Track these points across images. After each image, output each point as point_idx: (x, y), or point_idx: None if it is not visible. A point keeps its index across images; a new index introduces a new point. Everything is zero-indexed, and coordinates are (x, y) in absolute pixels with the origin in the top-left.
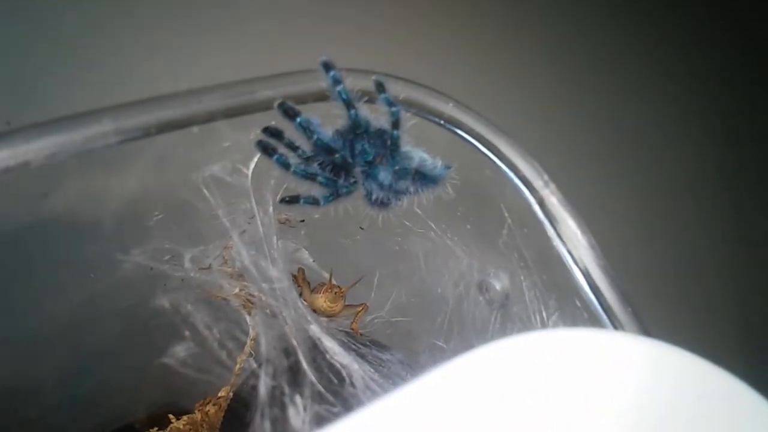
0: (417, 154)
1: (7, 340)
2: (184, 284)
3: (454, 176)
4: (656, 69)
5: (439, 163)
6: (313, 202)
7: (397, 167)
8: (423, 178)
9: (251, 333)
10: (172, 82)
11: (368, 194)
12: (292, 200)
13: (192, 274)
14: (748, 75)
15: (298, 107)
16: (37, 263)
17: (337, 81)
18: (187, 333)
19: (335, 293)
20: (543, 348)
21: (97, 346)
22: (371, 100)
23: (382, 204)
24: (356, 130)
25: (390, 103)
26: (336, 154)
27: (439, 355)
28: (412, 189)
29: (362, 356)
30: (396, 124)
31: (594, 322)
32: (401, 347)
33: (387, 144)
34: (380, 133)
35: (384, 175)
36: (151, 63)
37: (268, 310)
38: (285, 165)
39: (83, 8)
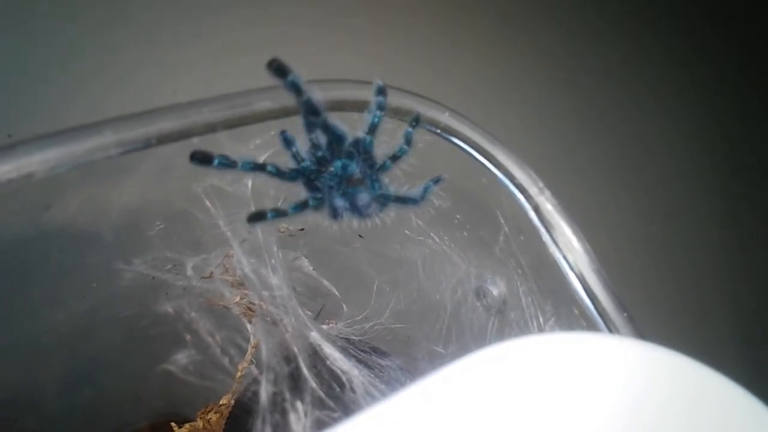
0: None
1: (7, 350)
2: (186, 293)
3: (439, 191)
4: (652, 76)
5: (429, 182)
6: (281, 214)
7: (378, 193)
8: (404, 201)
9: (252, 340)
10: (171, 92)
11: (334, 210)
12: (259, 217)
13: (193, 283)
14: (746, 82)
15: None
16: (40, 273)
17: (381, 106)
18: (188, 341)
19: None
20: (539, 352)
21: (98, 354)
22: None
23: (340, 217)
24: (353, 146)
25: (380, 108)
26: (329, 132)
27: (438, 360)
28: (376, 212)
29: (362, 362)
30: (372, 130)
31: (590, 326)
32: (400, 353)
33: (372, 168)
34: (368, 153)
35: (362, 197)
36: (150, 73)
37: (268, 318)
38: (228, 164)
39: (82, 20)
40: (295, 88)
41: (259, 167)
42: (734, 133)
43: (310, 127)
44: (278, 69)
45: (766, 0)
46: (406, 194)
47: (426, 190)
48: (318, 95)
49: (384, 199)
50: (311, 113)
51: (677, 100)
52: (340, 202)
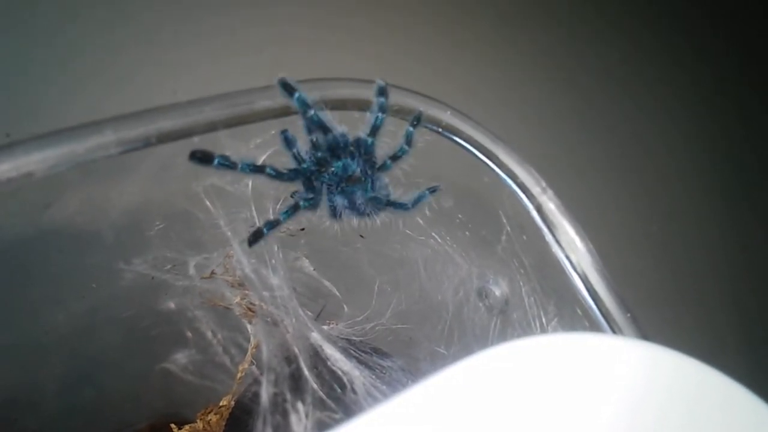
0: (385, 183)
1: (7, 350)
2: (186, 293)
3: (441, 191)
4: (652, 76)
5: (424, 191)
6: (275, 224)
7: (372, 195)
8: (395, 206)
9: (252, 341)
10: (171, 92)
11: (333, 209)
12: (257, 237)
13: (193, 283)
14: (746, 82)
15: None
16: (39, 273)
17: (383, 108)
18: (189, 341)
19: None
20: (542, 352)
21: (99, 355)
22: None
23: (339, 217)
24: (354, 146)
25: (382, 109)
26: (329, 133)
27: (440, 361)
28: (374, 211)
29: (363, 363)
30: (374, 131)
31: (593, 326)
32: (402, 354)
33: (372, 168)
34: (369, 155)
35: (359, 195)
36: (150, 73)
37: (269, 319)
38: (228, 165)
39: (82, 20)
40: (303, 105)
41: (259, 169)
42: (734, 133)
43: (310, 129)
44: (285, 86)
45: (766, 0)
46: (398, 200)
47: (420, 198)
48: (325, 113)
49: (376, 202)
50: (320, 130)
51: (677, 100)
52: (339, 201)
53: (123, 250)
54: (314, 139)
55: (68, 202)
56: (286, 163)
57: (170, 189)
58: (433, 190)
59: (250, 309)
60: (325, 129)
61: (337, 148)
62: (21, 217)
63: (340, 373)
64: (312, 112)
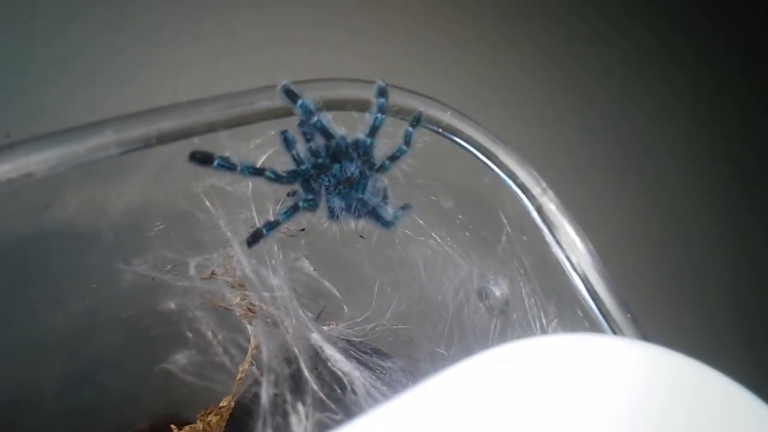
0: (383, 185)
1: (7, 350)
2: (186, 293)
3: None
4: (652, 76)
5: (398, 210)
6: (275, 225)
7: (359, 197)
8: (375, 217)
9: (252, 342)
10: (171, 92)
11: (331, 210)
12: (256, 237)
13: (193, 284)
14: (746, 82)
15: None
16: (39, 273)
17: (382, 108)
18: (189, 342)
19: None
20: (542, 353)
21: (99, 355)
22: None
23: (337, 218)
24: (353, 148)
25: (382, 110)
26: (332, 140)
27: (440, 362)
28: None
29: (363, 364)
30: (373, 132)
31: (593, 327)
32: (402, 355)
33: (368, 167)
34: (367, 157)
35: (354, 196)
36: (150, 73)
37: (269, 319)
38: (228, 167)
39: (82, 20)
40: (306, 113)
41: (258, 172)
42: (734, 133)
43: (311, 134)
44: (288, 93)
45: (766, 0)
46: (381, 212)
47: (396, 216)
48: (326, 118)
49: (361, 206)
50: (321, 136)
51: (677, 100)
52: (336, 203)
53: (123, 251)
54: (312, 147)
55: (68, 203)
56: (285, 163)
57: (170, 189)
58: (404, 208)
59: (250, 310)
60: (327, 135)
61: (337, 153)
62: (21, 217)
63: (340, 373)
64: (315, 118)
